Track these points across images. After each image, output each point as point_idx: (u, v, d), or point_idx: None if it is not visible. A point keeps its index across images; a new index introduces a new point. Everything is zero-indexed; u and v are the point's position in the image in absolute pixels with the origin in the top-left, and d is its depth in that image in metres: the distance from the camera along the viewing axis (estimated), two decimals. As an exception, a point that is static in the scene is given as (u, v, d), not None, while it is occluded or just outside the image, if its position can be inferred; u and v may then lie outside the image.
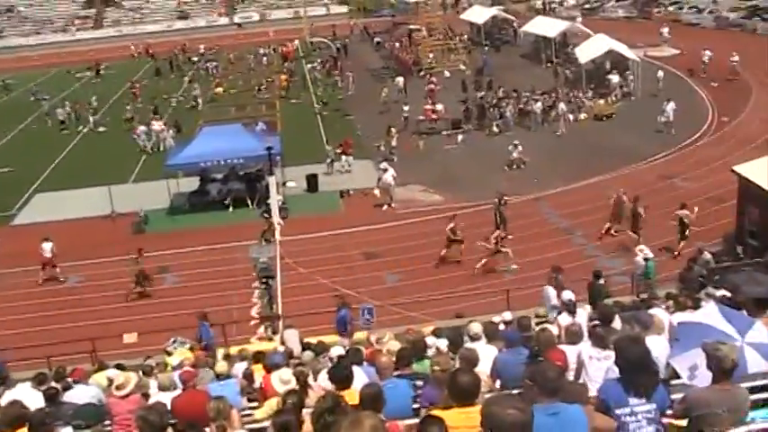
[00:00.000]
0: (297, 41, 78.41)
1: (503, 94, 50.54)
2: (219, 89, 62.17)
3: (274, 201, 33.02)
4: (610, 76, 52.55)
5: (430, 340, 14.74)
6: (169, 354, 19.74)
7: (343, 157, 41.21)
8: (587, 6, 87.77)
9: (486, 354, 11.46)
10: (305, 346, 18.56)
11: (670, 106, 43.84)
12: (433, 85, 54.40)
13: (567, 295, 16.09)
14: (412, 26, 69.50)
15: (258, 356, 16.67)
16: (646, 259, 24.96)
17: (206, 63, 72.87)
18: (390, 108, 50.54)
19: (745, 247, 26.85)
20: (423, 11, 70.24)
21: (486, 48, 69.16)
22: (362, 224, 33.86)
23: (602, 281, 22.09)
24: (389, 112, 49.49)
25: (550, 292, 20.45)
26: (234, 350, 20.58)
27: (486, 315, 19.46)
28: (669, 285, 23.09)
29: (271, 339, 23.83)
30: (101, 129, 54.18)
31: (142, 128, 48.96)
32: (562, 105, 46.80)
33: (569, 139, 44.37)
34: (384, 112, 50.50)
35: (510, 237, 31.09)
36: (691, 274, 23.14)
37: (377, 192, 36.92)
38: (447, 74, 59.77)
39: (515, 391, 9.66)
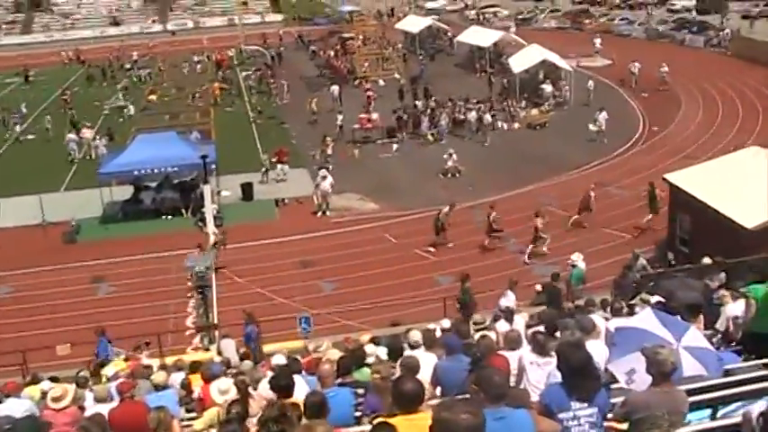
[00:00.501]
0: (231, 49, 77.89)
1: (436, 103, 50.84)
2: (153, 96, 61.48)
3: (209, 209, 32.77)
4: (543, 86, 53.20)
5: (369, 348, 14.76)
6: (104, 365, 19.45)
7: (279, 166, 41.05)
8: (521, 17, 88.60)
9: (426, 361, 11.50)
10: (242, 356, 18.47)
11: (602, 115, 44.58)
12: (371, 92, 54.75)
13: (505, 302, 16.23)
14: (347, 35, 69.55)
15: (195, 366, 16.51)
16: (573, 266, 25.30)
17: (139, 70, 72.00)
18: (318, 118, 50.40)
19: (677, 253, 27.35)
20: (358, 20, 70.40)
21: (421, 57, 69.57)
22: (298, 233, 33.80)
23: (559, 284, 22.35)
24: (323, 121, 49.28)
25: (510, 296, 20.67)
26: (170, 360, 20.37)
27: (423, 323, 19.51)
28: (604, 292, 23.40)
29: (207, 349, 23.63)
30: (30, 136, 53.19)
31: (71, 136, 48.15)
32: (488, 116, 47.15)
33: (504, 147, 44.80)
34: (312, 122, 50.39)
35: (450, 245, 31.43)
36: (625, 280, 23.49)
37: (314, 199, 36.86)
38: (382, 82, 59.94)
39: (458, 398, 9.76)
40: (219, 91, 60.79)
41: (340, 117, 47.97)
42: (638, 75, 56.83)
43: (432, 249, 31.67)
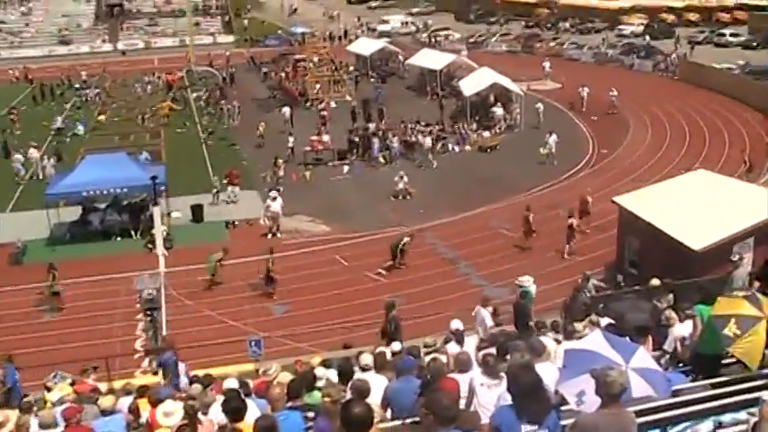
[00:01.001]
0: (182, 70, 77.50)
1: (386, 125, 50.94)
2: (102, 117, 60.84)
3: (158, 231, 32.48)
4: (494, 109, 53.61)
5: (320, 371, 14.66)
6: (49, 389, 19.09)
7: (229, 188, 40.85)
8: (472, 40, 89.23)
9: (377, 384, 11.46)
10: (191, 380, 18.23)
11: (552, 138, 45.04)
12: (325, 112, 55.11)
13: (455, 324, 16.23)
14: (298, 56, 69.58)
15: (143, 390, 16.27)
16: (520, 286, 25.39)
17: (87, 90, 71.18)
18: (266, 142, 50.00)
19: (626, 275, 27.60)
20: (310, 41, 70.44)
21: (373, 80, 69.81)
22: (248, 255, 33.56)
23: (528, 302, 22.41)
24: (273, 144, 48.88)
25: (484, 313, 20.67)
26: (118, 384, 20.07)
27: (374, 345, 19.44)
28: (554, 314, 23.49)
29: (155, 373, 23.32)
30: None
31: (18, 156, 47.53)
32: (428, 140, 47.26)
33: (455, 170, 44.98)
34: (259, 146, 49.99)
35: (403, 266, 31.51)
36: (575, 302, 23.60)
37: (263, 221, 36.70)
38: (333, 104, 59.97)
39: (409, 421, 9.74)
40: (168, 110, 60.44)
41: (291, 139, 47.86)
42: (586, 99, 57.48)
43: (383, 272, 31.64)
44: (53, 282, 29.64)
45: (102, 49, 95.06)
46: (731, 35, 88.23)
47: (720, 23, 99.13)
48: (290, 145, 47.19)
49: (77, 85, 73.47)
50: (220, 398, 12.19)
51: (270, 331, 26.37)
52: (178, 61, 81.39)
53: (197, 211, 38.66)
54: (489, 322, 20.11)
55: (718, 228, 25.70)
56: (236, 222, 38.12)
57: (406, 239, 32.59)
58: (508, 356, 11.53)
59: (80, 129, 56.92)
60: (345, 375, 13.54)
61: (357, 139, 48.01)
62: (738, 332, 9.91)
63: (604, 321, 16.71)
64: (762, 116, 53.21)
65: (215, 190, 40.79)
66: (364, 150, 47.30)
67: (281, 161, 43.37)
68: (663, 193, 29.18)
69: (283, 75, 69.00)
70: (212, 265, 31.15)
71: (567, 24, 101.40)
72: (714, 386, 9.88)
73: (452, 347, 15.60)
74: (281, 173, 42.70)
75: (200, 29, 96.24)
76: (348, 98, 61.48)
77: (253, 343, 23.12)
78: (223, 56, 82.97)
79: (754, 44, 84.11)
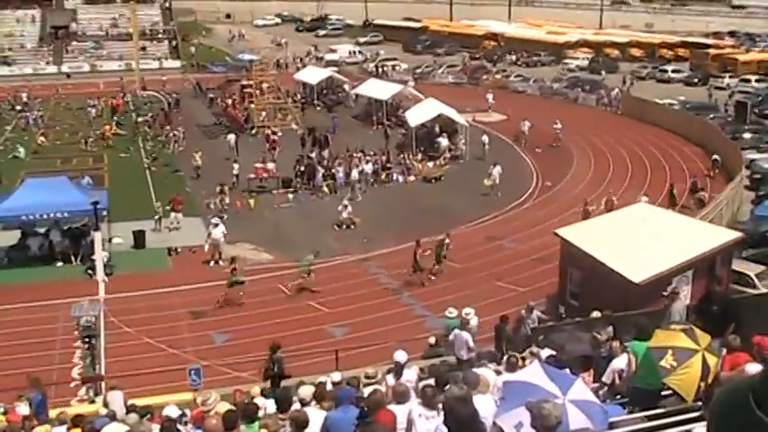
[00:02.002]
0: (128, 94, 76.84)
1: (330, 154, 50.94)
2: (42, 139, 59.94)
3: (99, 257, 32.10)
4: (439, 140, 53.90)
5: (258, 401, 14.54)
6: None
7: (173, 214, 40.48)
8: (419, 71, 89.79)
9: (316, 415, 11.39)
10: (129, 409, 17.97)
11: (497, 170, 45.38)
12: (276, 137, 55.42)
13: (398, 356, 16.20)
14: (245, 83, 69.47)
15: (77, 420, 16.02)
16: (448, 317, 25.58)
17: (28, 113, 70.02)
18: (202, 173, 49.15)
19: (567, 307, 27.80)
20: (256, 68, 70.37)
21: (319, 108, 69.96)
22: (190, 282, 33.30)
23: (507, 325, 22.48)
24: (217, 171, 48.35)
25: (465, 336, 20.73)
26: (53, 413, 19.70)
27: (314, 375, 19.37)
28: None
29: (93, 401, 22.97)
30: None
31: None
32: (354, 173, 46.93)
33: (399, 200, 45.13)
34: (195, 177, 48.90)
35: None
36: (518, 334, 23.73)
37: (206, 247, 36.43)
38: (279, 133, 59.76)
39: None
40: (111, 134, 59.93)
41: (236, 166, 47.64)
42: (527, 133, 57.87)
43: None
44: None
45: (47, 71, 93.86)
46: (673, 71, 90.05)
47: (663, 59, 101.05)
48: (236, 172, 46.96)
49: (19, 107, 72.38)
50: (156, 427, 12.05)
51: (210, 360, 26.13)
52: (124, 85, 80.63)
53: (139, 238, 38.24)
54: (471, 344, 20.29)
55: (658, 261, 26.04)
56: (179, 249, 37.76)
57: (447, 240, 33.99)
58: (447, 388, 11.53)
59: (21, 151, 56.14)
60: (284, 406, 13.45)
61: (302, 168, 47.85)
62: (675, 364, 10.02)
63: (545, 353, 16.82)
64: (701, 150, 54.14)
65: (158, 216, 40.37)
66: (309, 179, 47.15)
67: (225, 188, 43.15)
68: (604, 226, 29.55)
69: (229, 101, 68.74)
70: (305, 266, 32.73)
71: (513, 57, 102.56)
72: (650, 418, 9.96)
73: (391, 379, 15.56)
74: (226, 200, 42.46)
75: (146, 53, 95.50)
76: (294, 126, 61.41)
77: (192, 372, 22.87)
78: (170, 81, 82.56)
79: (695, 80, 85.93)
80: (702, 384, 9.75)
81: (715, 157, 50.14)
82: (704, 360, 9.99)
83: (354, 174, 46.90)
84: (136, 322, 29.56)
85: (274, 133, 56.70)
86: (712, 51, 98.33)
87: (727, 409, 2.07)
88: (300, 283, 32.49)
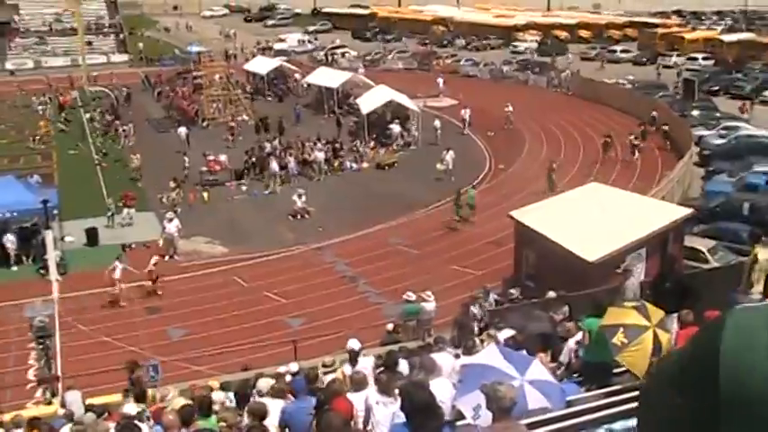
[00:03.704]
0: (75, 90, 75.80)
1: (281, 144, 50.69)
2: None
3: (51, 256, 31.69)
4: (391, 126, 53.86)
5: (218, 395, 14.46)
6: None
7: (125, 210, 40.06)
8: (369, 58, 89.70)
9: (275, 406, 11.36)
10: (87, 408, 17.78)
11: (449, 155, 45.43)
12: (233, 124, 56.38)
13: (351, 344, 16.19)
14: (195, 75, 68.90)
15: (34, 423, 15.81)
16: (407, 301, 25.66)
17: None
18: (143, 175, 47.66)
19: (523, 289, 27.92)
20: (206, 61, 69.82)
21: (270, 98, 69.66)
22: (145, 278, 32.99)
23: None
24: (169, 164, 47.88)
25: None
26: (7, 417, 19.42)
27: (273, 366, 19.32)
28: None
29: (50, 403, 22.69)
30: None
31: None
32: (274, 164, 46.06)
33: (353, 188, 45.05)
34: (136, 179, 47.13)
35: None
36: (466, 318, 23.79)
37: (160, 242, 36.11)
38: (231, 124, 59.37)
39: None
40: (46, 129, 59.35)
41: (187, 159, 47.23)
42: (468, 120, 57.56)
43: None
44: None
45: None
46: (622, 51, 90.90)
47: (611, 40, 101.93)
48: (187, 165, 46.55)
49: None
50: (113, 426, 11.92)
51: (168, 355, 25.93)
52: (75, 80, 79.43)
53: (92, 235, 37.76)
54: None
55: (612, 239, 26.24)
56: (133, 245, 37.36)
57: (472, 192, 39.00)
58: (403, 373, 11.55)
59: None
60: (243, 398, 13.39)
61: (254, 159, 47.52)
62: (626, 341, 10.08)
63: (503, 335, 16.87)
64: (650, 128, 54.64)
65: (110, 212, 39.91)
66: (261, 170, 46.80)
67: (177, 182, 42.75)
68: (558, 207, 29.68)
69: (180, 94, 68.17)
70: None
71: (463, 42, 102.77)
72: (607, 395, 10.02)
73: (349, 367, 15.54)
74: (180, 194, 42.10)
75: (92, 48, 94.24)
76: (245, 117, 61.03)
77: (150, 368, 22.67)
78: (118, 75, 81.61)
79: (644, 60, 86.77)
80: (654, 360, 9.82)
81: (653, 114, 54.33)
82: (656, 336, 10.05)
83: (274, 165, 45.87)
84: (91, 321, 29.26)
85: (233, 120, 57.23)
86: (659, 31, 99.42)
87: (650, 395, 2.05)
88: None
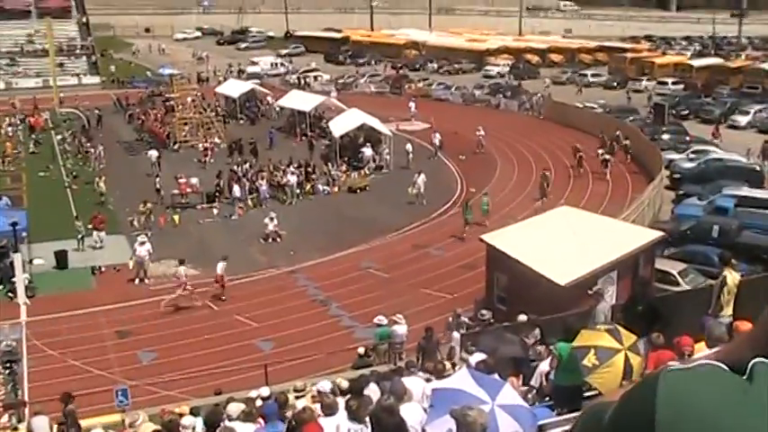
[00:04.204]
0: (46, 111, 75.27)
1: (251, 167, 50.54)
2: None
3: (20, 279, 31.39)
4: (363, 150, 53.86)
5: (187, 420, 14.32)
6: None
7: (95, 233, 39.75)
8: (341, 81, 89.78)
9: (245, 430, 11.27)
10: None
11: (421, 178, 45.46)
12: (208, 145, 56.57)
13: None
14: (167, 97, 68.69)
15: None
16: (379, 325, 25.65)
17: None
18: (109, 199, 47.21)
19: (495, 312, 27.92)
20: (177, 83, 69.62)
21: (242, 122, 69.59)
22: (115, 301, 32.75)
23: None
24: (140, 187, 47.72)
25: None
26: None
27: (244, 390, 19.19)
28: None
29: (16, 429, 22.37)
30: None
31: None
32: (236, 188, 45.67)
33: (325, 211, 44.94)
34: (100, 203, 46.15)
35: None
36: (430, 343, 23.76)
37: (131, 265, 35.85)
38: (201, 147, 59.14)
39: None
40: (13, 152, 58.89)
41: (158, 180, 47.02)
42: (438, 144, 57.45)
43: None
44: None
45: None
46: (593, 75, 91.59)
47: (582, 64, 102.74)
48: (158, 187, 46.35)
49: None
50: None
51: (138, 379, 25.69)
52: (42, 103, 78.92)
53: (61, 258, 37.43)
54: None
55: (583, 262, 26.32)
56: (103, 268, 37.09)
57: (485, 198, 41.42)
58: (372, 398, 11.49)
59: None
60: (213, 423, 13.27)
61: (225, 182, 47.23)
62: (597, 363, 10.11)
63: (474, 358, 16.85)
64: (620, 152, 55.04)
65: (80, 235, 39.57)
66: (230, 192, 46.45)
67: (149, 205, 42.46)
68: (529, 230, 29.77)
69: (151, 117, 67.91)
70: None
71: (435, 65, 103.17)
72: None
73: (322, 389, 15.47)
74: (151, 217, 41.85)
75: (64, 69, 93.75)
76: (217, 140, 60.84)
77: (119, 392, 22.44)
78: (90, 97, 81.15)
79: (614, 84, 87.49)
80: (625, 383, 9.83)
81: (617, 133, 55.97)
82: (627, 359, 10.09)
83: (236, 190, 45.63)
84: (60, 344, 28.93)
85: (207, 141, 57.61)
86: (630, 55, 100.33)
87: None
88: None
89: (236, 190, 45.45)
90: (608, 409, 1.75)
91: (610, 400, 1.79)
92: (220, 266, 32.83)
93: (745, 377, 1.62)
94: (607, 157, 50.68)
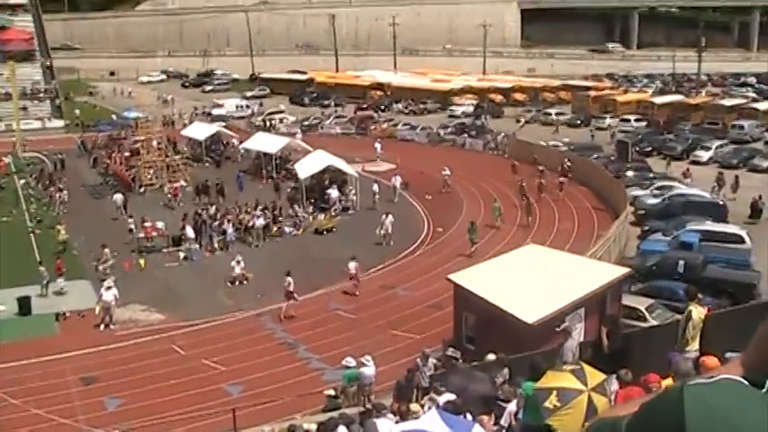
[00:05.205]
0: (8, 156, 74.58)
1: (217, 210, 50.28)
2: None
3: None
4: (329, 191, 53.84)
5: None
6: None
7: (59, 279, 39.27)
8: (307, 123, 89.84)
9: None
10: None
11: (388, 219, 45.52)
12: (177, 185, 56.82)
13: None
14: (132, 140, 68.43)
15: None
16: (347, 367, 25.54)
17: None
18: (71, 246, 46.48)
19: (463, 351, 27.85)
20: (142, 126, 69.35)
21: (207, 164, 69.42)
22: (80, 347, 32.31)
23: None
24: (107, 231, 47.46)
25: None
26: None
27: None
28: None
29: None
30: None
31: None
32: (188, 229, 45.49)
33: (292, 253, 44.66)
34: (62, 251, 45.08)
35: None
36: (411, 383, 23.62)
37: (97, 310, 35.42)
38: (166, 190, 58.87)
39: None
40: None
41: (131, 220, 46.92)
42: (399, 187, 57.11)
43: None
44: None
45: None
46: (557, 114, 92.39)
47: (546, 103, 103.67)
48: (131, 227, 46.27)
49: None
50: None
51: (104, 427, 25.36)
52: (4, 147, 78.22)
53: (24, 304, 36.93)
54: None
55: (550, 300, 26.34)
56: (67, 314, 36.64)
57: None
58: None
59: None
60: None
61: (190, 226, 46.86)
62: (558, 404, 10.00)
63: (443, 398, 16.75)
64: (585, 189, 55.47)
65: (44, 281, 39.07)
66: (198, 235, 46.21)
67: (107, 251, 41.74)
68: (495, 269, 29.81)
69: (116, 160, 67.51)
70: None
71: (400, 106, 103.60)
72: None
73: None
74: (113, 261, 41.39)
75: (27, 113, 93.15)
76: (183, 183, 60.54)
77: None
78: (54, 141, 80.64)
79: (578, 122, 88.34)
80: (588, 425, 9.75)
81: (567, 163, 59.92)
82: (590, 401, 10.01)
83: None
84: (22, 393, 28.42)
85: (176, 183, 57.70)
86: (593, 93, 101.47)
87: None
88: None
89: (189, 231, 45.27)
90: (620, 423, 1.79)
91: (612, 415, 1.85)
92: (353, 266, 37.48)
93: (765, 390, 1.71)
94: (561, 179, 55.89)
